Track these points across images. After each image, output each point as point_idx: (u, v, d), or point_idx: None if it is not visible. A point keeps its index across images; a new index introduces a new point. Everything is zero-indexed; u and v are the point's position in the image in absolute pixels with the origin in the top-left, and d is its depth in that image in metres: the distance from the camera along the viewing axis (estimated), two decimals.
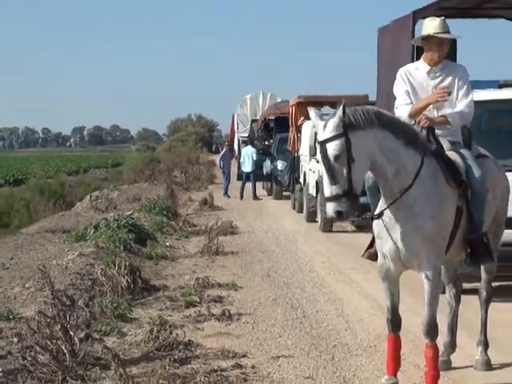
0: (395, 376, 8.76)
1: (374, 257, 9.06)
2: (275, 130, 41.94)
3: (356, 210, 8.23)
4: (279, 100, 49.30)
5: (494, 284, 10.07)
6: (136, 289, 13.99)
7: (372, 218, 8.68)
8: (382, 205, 8.56)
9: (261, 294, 14.30)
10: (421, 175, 8.41)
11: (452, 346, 9.74)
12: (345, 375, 9.55)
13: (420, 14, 16.40)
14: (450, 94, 9.07)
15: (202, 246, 19.92)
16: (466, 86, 9.33)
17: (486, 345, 9.71)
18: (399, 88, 9.50)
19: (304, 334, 10.40)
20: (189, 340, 10.73)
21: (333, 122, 8.18)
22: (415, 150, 8.50)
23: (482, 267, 9.58)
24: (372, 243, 9.07)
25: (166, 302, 13.56)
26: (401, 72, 9.52)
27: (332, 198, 8.13)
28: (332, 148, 8.11)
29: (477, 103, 13.59)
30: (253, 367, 9.85)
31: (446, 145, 8.98)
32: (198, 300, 13.58)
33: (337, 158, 8.10)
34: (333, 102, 29.88)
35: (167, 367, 9.15)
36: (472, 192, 8.75)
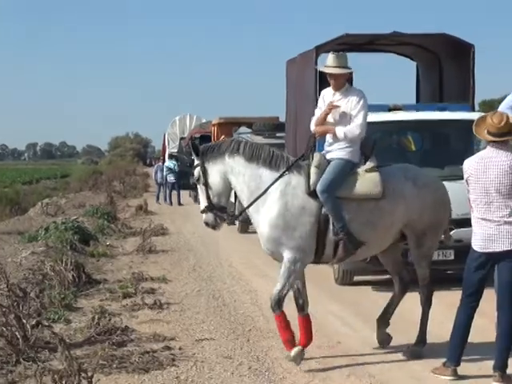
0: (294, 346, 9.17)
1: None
2: None
3: (222, 218, 9.69)
4: (203, 121, 49.59)
5: None
6: (80, 282, 14.00)
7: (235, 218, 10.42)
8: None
9: (187, 286, 14.35)
10: (270, 190, 9.29)
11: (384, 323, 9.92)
12: (258, 355, 9.66)
13: (322, 49, 16.54)
14: (337, 107, 9.53)
15: (137, 245, 20.13)
16: (358, 109, 9.54)
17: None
18: (317, 106, 10.00)
19: (224, 320, 10.45)
20: (125, 326, 10.76)
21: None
22: (271, 170, 9.40)
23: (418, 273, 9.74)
24: None
25: (106, 294, 13.68)
26: (320, 94, 10.03)
27: (202, 211, 9.68)
28: (195, 174, 9.65)
29: (371, 124, 13.82)
30: (180, 349, 9.91)
31: (315, 160, 9.41)
32: (133, 291, 13.63)
33: (198, 181, 9.58)
34: (249, 123, 30.18)
35: (106, 349, 9.37)
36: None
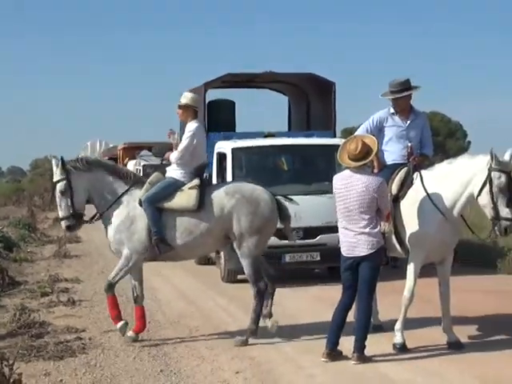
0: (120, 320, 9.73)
1: None
2: None
3: (81, 223, 9.96)
4: (111, 145, 49.71)
5: None
6: (4, 284, 13.81)
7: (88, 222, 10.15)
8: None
9: (96, 285, 14.12)
10: (120, 200, 9.74)
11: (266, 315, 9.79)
12: (157, 343, 9.61)
13: (209, 85, 16.73)
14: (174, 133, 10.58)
15: (54, 251, 19.86)
16: (184, 139, 9.93)
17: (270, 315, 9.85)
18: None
19: (127, 314, 10.29)
20: (43, 320, 10.68)
21: (58, 170, 9.81)
22: (122, 182, 9.87)
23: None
24: None
25: (26, 293, 13.43)
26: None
27: (63, 218, 9.83)
28: (59, 186, 9.74)
29: (249, 148, 14.15)
30: (90, 339, 9.82)
31: (150, 178, 9.95)
32: (50, 291, 13.46)
33: (62, 193, 9.70)
34: (149, 147, 30.40)
35: (26, 341, 9.35)
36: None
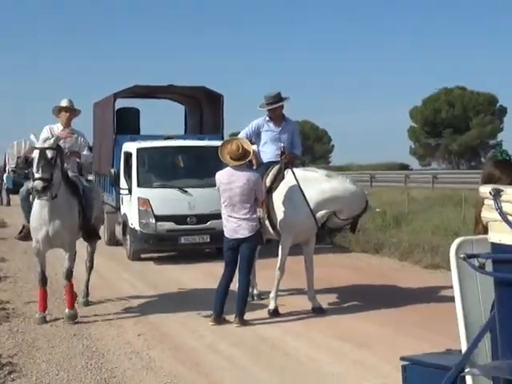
0: (44, 312, 8.95)
1: (24, 239, 9.51)
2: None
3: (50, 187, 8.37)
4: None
5: None
6: None
7: None
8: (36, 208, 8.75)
9: (20, 264, 13.81)
10: (59, 193, 8.57)
11: None
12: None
13: (119, 95, 16.60)
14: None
15: None
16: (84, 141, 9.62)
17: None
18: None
19: (49, 288, 10.04)
20: None
21: (52, 140, 8.56)
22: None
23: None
24: (23, 231, 9.42)
25: None
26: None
27: (42, 178, 8.18)
28: (50, 153, 8.39)
29: (152, 148, 14.12)
30: (13, 309, 9.58)
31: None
32: None
33: (50, 159, 8.35)
34: None
35: None
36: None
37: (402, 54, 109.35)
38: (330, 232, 9.39)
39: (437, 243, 13.44)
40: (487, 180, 4.00)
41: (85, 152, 9.52)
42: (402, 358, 3.88)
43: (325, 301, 9.53)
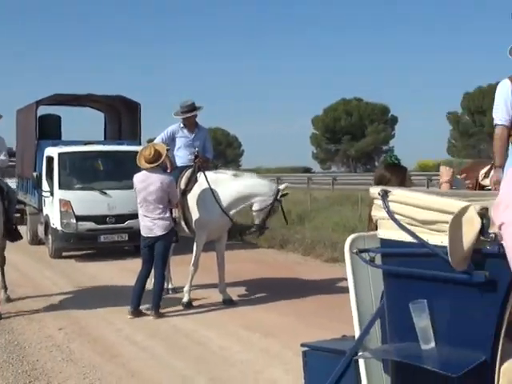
0: None
1: None
2: None
3: None
4: None
5: None
6: None
7: None
8: None
9: None
10: None
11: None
12: None
13: (40, 103, 16.19)
14: None
15: None
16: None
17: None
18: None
19: None
20: None
21: None
22: None
23: None
24: None
25: None
26: None
27: None
28: None
29: (73, 152, 13.81)
30: None
31: None
32: None
33: None
34: None
35: None
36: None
37: (304, 67, 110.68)
38: (263, 228, 9.17)
39: (336, 239, 13.61)
40: (379, 181, 4.09)
41: (1, 156, 9.15)
42: (303, 345, 3.91)
43: (235, 293, 9.54)
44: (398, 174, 4.14)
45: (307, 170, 56.12)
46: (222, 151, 67.50)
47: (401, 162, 4.40)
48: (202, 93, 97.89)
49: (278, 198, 8.79)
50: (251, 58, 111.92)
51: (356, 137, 63.22)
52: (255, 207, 8.87)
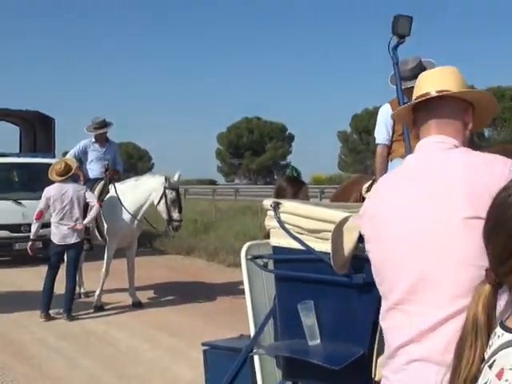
0: None
1: None
2: None
3: None
4: None
5: None
6: None
7: None
8: None
9: None
10: None
11: None
12: None
13: None
14: None
15: None
16: None
17: None
18: None
19: None
20: None
21: None
22: None
23: None
24: None
25: None
26: None
27: None
28: None
29: None
30: None
31: None
32: None
33: None
34: None
35: None
36: None
37: (210, 87, 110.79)
38: (171, 220, 8.94)
39: (238, 246, 13.55)
40: (277, 190, 4.14)
41: None
42: (203, 344, 3.90)
43: (144, 296, 9.41)
44: (293, 187, 4.19)
45: (212, 182, 56.05)
46: (133, 164, 66.47)
47: (301, 175, 4.48)
48: (115, 108, 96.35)
49: (167, 185, 8.61)
50: (165, 76, 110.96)
51: (257, 152, 63.77)
52: (155, 202, 8.76)
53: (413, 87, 4.16)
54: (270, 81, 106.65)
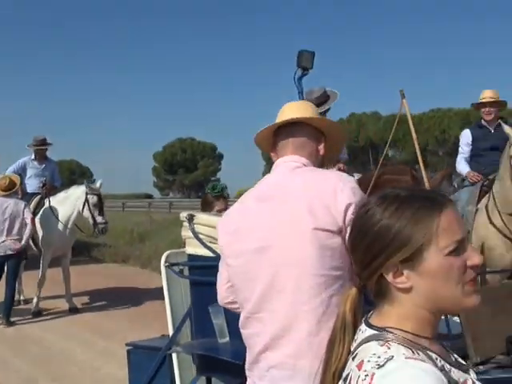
0: None
1: None
2: None
3: None
4: None
5: None
6: None
7: None
8: None
9: None
10: None
11: None
12: None
13: None
14: None
15: None
16: None
17: None
18: None
19: None
20: None
21: None
22: None
23: None
24: None
25: None
26: None
27: None
28: None
29: None
30: None
31: None
32: None
33: None
34: None
35: None
36: None
37: (146, 110, 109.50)
38: (95, 224, 8.71)
39: None
40: (203, 202, 4.12)
41: None
42: (127, 344, 3.85)
43: (79, 302, 9.17)
44: (216, 199, 4.14)
45: (148, 196, 55.28)
46: (74, 180, 64.95)
47: (225, 190, 4.42)
48: (58, 128, 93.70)
49: (88, 191, 8.50)
50: (104, 97, 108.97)
51: (190, 169, 63.57)
52: (80, 209, 8.59)
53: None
54: (202, 106, 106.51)
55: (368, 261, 1.27)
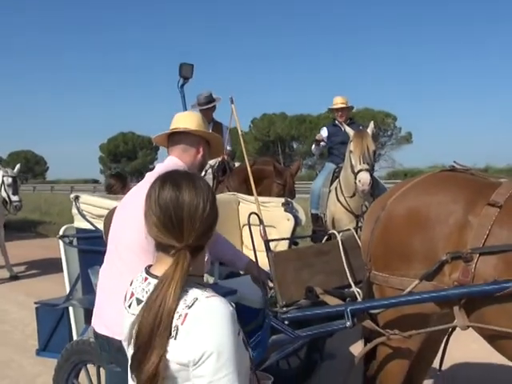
0: None
1: None
2: None
3: None
4: None
5: None
6: None
7: None
8: None
9: None
10: None
11: None
12: None
13: None
14: None
15: None
16: None
17: None
18: None
19: None
20: None
21: None
22: None
23: None
24: None
25: None
26: None
27: None
28: None
29: None
30: None
31: None
32: None
33: None
34: None
35: None
36: None
37: (95, 107, 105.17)
38: (10, 202, 8.22)
39: None
40: (108, 185, 4.08)
41: None
42: (35, 302, 3.80)
43: (20, 270, 8.85)
44: (120, 182, 4.08)
45: (95, 181, 53.68)
46: (31, 167, 62.13)
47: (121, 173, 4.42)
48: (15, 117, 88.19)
49: (4, 174, 8.16)
50: (58, 89, 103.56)
51: (131, 159, 62.32)
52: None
53: (206, 108, 4.58)
54: (141, 104, 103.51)
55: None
